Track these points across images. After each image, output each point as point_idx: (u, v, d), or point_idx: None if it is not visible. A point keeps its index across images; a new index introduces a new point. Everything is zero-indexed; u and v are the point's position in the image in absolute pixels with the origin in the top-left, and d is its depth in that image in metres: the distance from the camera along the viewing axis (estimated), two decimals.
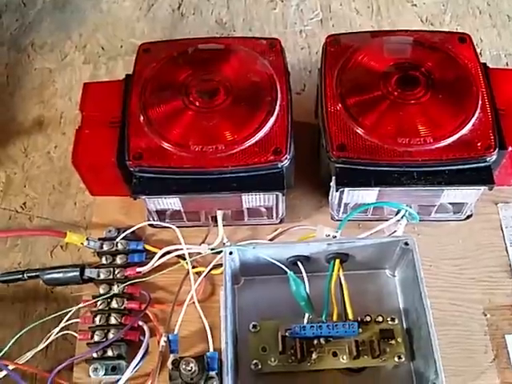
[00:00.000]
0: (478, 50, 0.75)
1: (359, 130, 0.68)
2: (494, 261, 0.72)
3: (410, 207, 0.70)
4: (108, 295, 0.68)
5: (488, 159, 0.67)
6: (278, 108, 0.70)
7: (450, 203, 0.73)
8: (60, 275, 0.71)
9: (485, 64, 0.75)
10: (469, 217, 0.75)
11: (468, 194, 0.69)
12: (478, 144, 0.67)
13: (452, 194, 0.69)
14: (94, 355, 0.65)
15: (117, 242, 0.72)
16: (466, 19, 0.99)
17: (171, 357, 0.64)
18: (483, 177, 0.67)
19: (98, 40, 1.00)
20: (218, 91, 0.71)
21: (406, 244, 0.63)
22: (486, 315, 0.69)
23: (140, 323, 0.67)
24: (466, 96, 0.70)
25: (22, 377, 0.63)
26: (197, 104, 0.71)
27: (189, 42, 0.77)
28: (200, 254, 0.71)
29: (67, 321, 0.67)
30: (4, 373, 0.64)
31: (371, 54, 0.74)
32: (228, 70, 0.74)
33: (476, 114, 0.69)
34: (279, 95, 0.71)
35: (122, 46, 0.98)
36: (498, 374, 0.65)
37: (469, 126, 0.68)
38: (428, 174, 0.67)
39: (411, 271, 0.62)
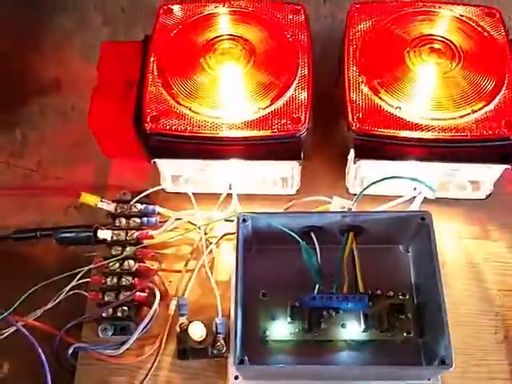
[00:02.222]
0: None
1: (381, 102, 0.67)
2: (510, 241, 0.71)
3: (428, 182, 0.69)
4: (120, 257, 0.68)
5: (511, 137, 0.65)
6: (298, 76, 0.69)
7: (470, 181, 0.71)
8: (73, 235, 0.71)
9: None
10: (488, 196, 0.73)
11: (489, 172, 0.68)
12: (502, 122, 0.65)
13: (472, 172, 0.68)
14: (104, 315, 0.66)
15: (131, 205, 0.72)
16: None
17: (180, 320, 0.64)
18: (505, 155, 0.65)
19: (118, 1, 0.98)
20: (239, 56, 0.70)
21: (423, 219, 0.62)
22: (498, 296, 0.68)
23: (150, 286, 0.67)
24: (493, 72, 0.68)
25: (31, 333, 0.63)
26: (216, 68, 0.70)
27: (211, 4, 0.75)
28: (213, 220, 0.71)
29: (78, 280, 0.68)
30: (14, 328, 0.65)
31: (397, 24, 0.72)
32: (250, 34, 0.72)
33: (502, 91, 0.67)
34: (300, 63, 0.70)
35: (142, 8, 0.96)
36: (507, 354, 0.65)
37: (494, 103, 0.66)
38: (449, 150, 0.65)
39: (426, 247, 0.61)
